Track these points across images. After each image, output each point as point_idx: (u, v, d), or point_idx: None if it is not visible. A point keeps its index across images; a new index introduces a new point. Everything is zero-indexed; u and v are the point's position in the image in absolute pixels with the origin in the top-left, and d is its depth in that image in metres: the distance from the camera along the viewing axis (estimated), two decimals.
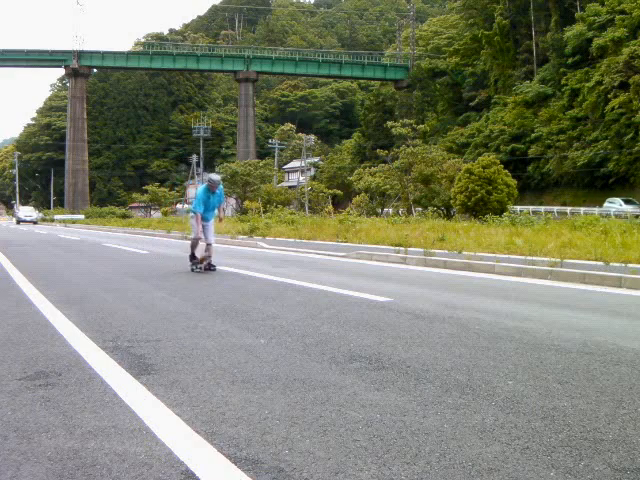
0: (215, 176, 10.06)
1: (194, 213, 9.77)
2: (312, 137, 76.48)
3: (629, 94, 40.46)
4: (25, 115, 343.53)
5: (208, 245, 9.73)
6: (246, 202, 45.98)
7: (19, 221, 54.47)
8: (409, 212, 31.90)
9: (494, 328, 4.71)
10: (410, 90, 71.57)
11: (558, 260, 8.78)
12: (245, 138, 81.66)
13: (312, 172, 71.51)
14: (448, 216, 27.01)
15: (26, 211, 58.60)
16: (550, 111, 49.03)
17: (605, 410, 2.78)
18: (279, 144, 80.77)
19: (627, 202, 37.10)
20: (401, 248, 11.73)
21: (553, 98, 50.71)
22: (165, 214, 57.90)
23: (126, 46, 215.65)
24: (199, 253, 9.70)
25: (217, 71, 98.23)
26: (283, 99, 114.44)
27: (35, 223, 53.55)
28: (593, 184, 44.29)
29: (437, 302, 6.09)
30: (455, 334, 4.49)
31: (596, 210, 34.00)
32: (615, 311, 5.62)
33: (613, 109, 41.65)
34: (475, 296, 6.56)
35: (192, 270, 9.42)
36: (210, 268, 9.48)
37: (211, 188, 9.71)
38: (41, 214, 67.47)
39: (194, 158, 77.64)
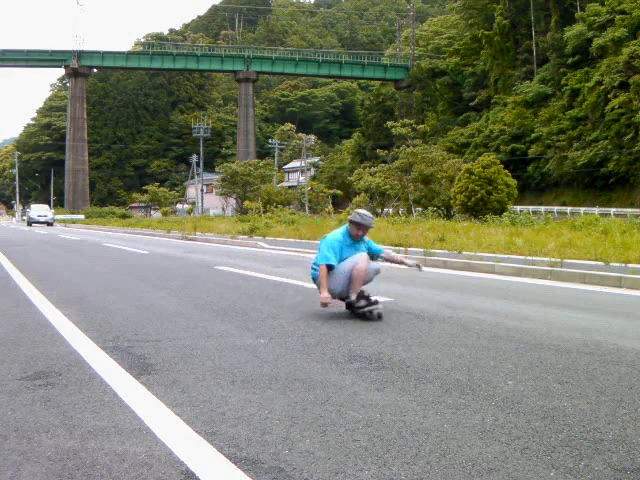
0: (367, 215, 5.47)
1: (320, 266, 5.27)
2: (312, 137, 76.45)
3: (629, 94, 40.47)
4: (25, 115, 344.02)
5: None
6: (246, 202, 45.98)
7: (31, 222, 44.81)
8: (409, 212, 31.89)
9: (494, 328, 4.71)
10: (410, 90, 71.59)
11: (558, 260, 8.78)
12: (245, 138, 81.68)
13: (312, 172, 71.50)
14: (448, 216, 27.01)
15: (39, 210, 47.88)
16: (550, 111, 49.05)
17: (605, 410, 2.78)
18: (279, 144, 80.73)
19: None
20: (401, 248, 11.73)
21: (553, 98, 50.73)
22: (165, 214, 57.94)
23: (126, 46, 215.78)
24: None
25: (217, 71, 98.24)
26: (283, 99, 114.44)
27: (51, 224, 44.13)
28: (593, 184, 44.30)
29: (437, 302, 6.09)
30: (455, 334, 4.49)
31: (596, 210, 34.00)
32: (615, 311, 5.62)
33: (613, 109, 41.67)
34: (475, 296, 6.56)
35: (365, 314, 5.22)
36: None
37: (355, 234, 5.42)
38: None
39: (194, 158, 77.61)
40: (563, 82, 48.85)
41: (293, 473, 2.11)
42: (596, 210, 34.07)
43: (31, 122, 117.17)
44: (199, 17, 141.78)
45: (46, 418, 2.68)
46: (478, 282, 7.93)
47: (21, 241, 20.17)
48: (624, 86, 41.33)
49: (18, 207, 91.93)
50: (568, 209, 40.37)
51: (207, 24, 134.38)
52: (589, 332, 4.55)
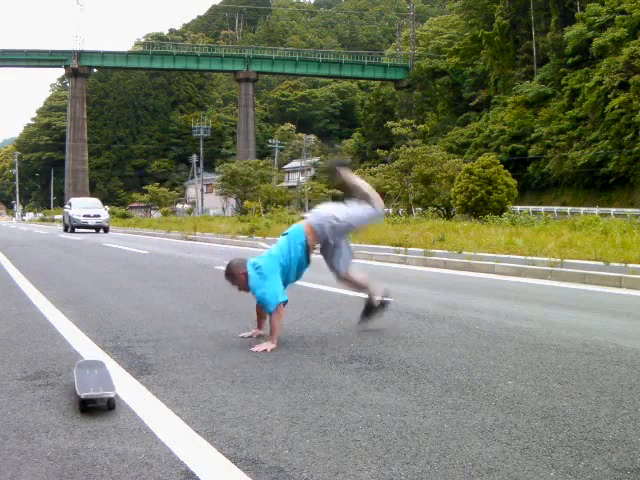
0: None
1: None
2: (312, 137, 76.48)
3: (629, 94, 40.48)
4: (25, 115, 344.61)
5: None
6: (246, 202, 45.99)
7: (74, 226, 28.41)
8: (409, 212, 31.90)
9: (494, 328, 4.71)
10: (410, 90, 71.57)
11: (558, 260, 8.78)
12: (245, 138, 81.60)
13: (312, 172, 71.49)
14: (448, 216, 27.02)
15: (86, 206, 29.76)
16: (550, 111, 49.05)
17: (605, 410, 2.78)
18: (279, 144, 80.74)
19: None
20: (401, 248, 11.73)
21: (553, 98, 50.73)
22: (165, 214, 57.87)
23: (126, 46, 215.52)
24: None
25: (217, 71, 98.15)
26: (283, 99, 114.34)
27: (104, 229, 28.55)
28: (593, 184, 44.30)
29: (437, 302, 6.09)
30: (455, 334, 4.49)
31: (596, 210, 34.00)
32: (615, 311, 5.62)
33: (613, 109, 41.67)
34: (475, 296, 6.56)
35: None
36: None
37: None
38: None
39: (194, 158, 77.61)
40: (563, 82, 48.85)
41: (293, 473, 2.11)
42: (596, 210, 34.06)
43: (31, 122, 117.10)
44: (199, 17, 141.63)
45: (46, 418, 2.68)
46: (478, 282, 7.92)
47: (21, 241, 20.16)
48: (624, 86, 41.32)
49: (18, 207, 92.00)
50: (568, 209, 40.36)
51: (207, 24, 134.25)
52: (589, 332, 4.55)
